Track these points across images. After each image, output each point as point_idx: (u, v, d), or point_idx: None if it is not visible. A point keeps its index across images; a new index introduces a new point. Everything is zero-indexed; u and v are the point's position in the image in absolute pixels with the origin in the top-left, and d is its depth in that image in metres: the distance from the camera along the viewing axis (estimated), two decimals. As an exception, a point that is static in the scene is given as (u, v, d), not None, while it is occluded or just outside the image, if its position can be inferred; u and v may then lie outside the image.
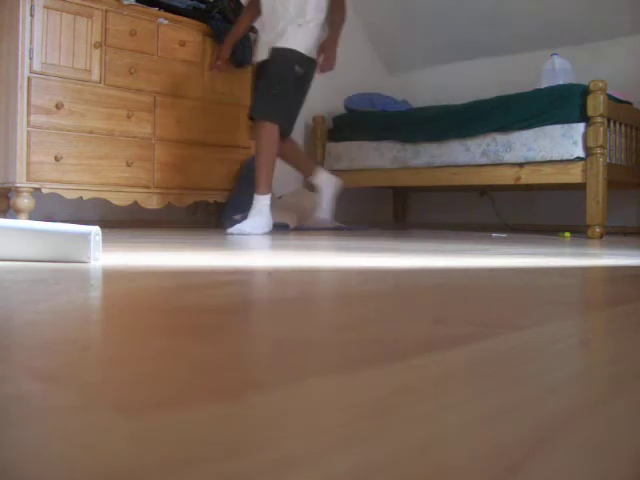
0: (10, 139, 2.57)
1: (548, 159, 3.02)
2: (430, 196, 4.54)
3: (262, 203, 2.75)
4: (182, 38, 3.03)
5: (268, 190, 2.77)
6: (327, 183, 3.16)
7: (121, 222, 3.14)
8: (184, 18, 3.05)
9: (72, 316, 0.55)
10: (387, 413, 0.30)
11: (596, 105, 2.87)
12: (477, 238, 2.60)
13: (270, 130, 2.72)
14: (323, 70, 2.82)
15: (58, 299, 0.64)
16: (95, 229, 1.07)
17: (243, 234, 2.55)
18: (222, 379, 0.36)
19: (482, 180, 3.29)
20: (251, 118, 2.84)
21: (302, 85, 2.83)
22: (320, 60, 2.80)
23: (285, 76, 2.75)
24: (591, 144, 2.87)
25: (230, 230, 2.64)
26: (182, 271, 1.01)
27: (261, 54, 2.90)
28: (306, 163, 3.20)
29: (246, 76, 3.32)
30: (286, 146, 2.94)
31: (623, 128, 3.11)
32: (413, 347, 0.46)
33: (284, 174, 3.97)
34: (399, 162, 3.60)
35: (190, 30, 3.07)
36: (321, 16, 2.82)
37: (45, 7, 2.57)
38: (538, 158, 3.05)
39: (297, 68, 2.77)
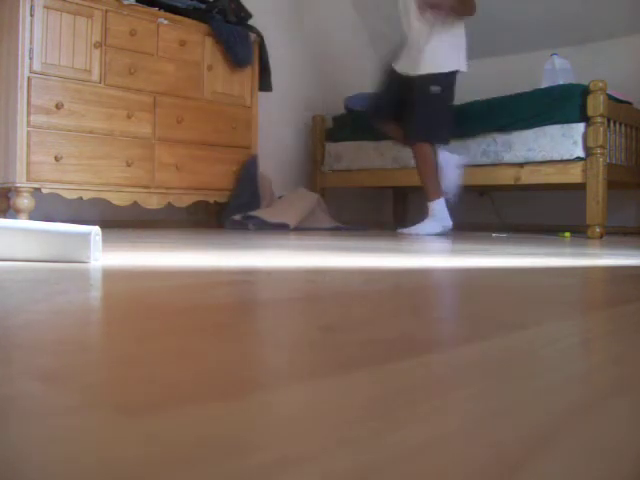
0: (10, 139, 2.57)
1: (548, 159, 3.02)
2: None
3: (436, 208, 2.97)
4: (182, 38, 3.03)
5: (439, 195, 2.99)
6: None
7: (121, 222, 3.14)
8: (184, 18, 3.05)
9: (72, 316, 0.55)
10: (387, 413, 0.30)
11: (596, 105, 2.87)
12: (477, 238, 2.60)
13: (423, 148, 3.00)
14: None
15: (58, 299, 0.64)
16: (95, 229, 1.07)
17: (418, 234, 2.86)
18: (222, 379, 0.36)
19: (482, 180, 3.29)
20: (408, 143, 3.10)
21: (444, 98, 3.08)
22: None
23: (426, 100, 3.03)
24: (591, 144, 2.87)
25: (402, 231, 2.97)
26: (182, 271, 1.01)
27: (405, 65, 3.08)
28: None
29: (246, 76, 3.32)
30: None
31: (623, 128, 3.11)
32: (413, 347, 0.46)
33: (284, 174, 3.97)
34: (399, 162, 3.60)
35: (190, 30, 3.07)
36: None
37: (45, 7, 2.57)
38: (538, 158, 3.05)
39: (433, 88, 3.01)
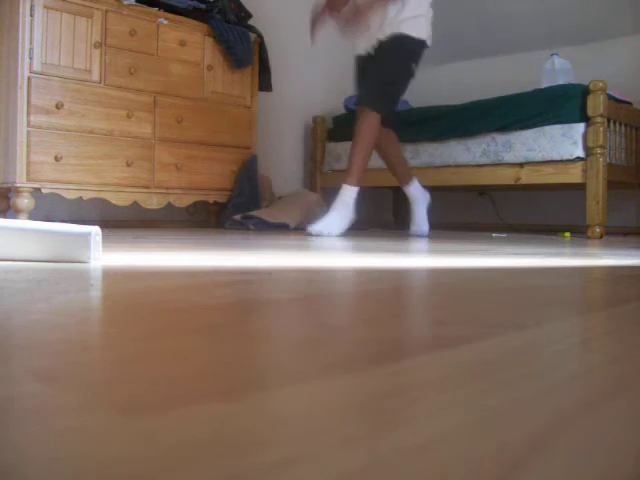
0: (10, 139, 2.58)
1: (548, 159, 3.02)
2: (430, 196, 4.54)
3: (349, 195, 2.69)
4: (182, 38, 3.03)
5: (358, 182, 2.69)
6: (421, 196, 3.08)
7: (121, 222, 3.14)
8: (184, 18, 3.05)
9: (72, 316, 0.55)
10: (387, 413, 0.30)
11: (596, 105, 2.87)
12: (477, 238, 2.60)
13: (374, 122, 2.65)
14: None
15: (58, 299, 0.64)
16: (95, 229, 1.07)
17: (319, 235, 2.55)
18: (222, 379, 0.36)
19: (482, 180, 3.29)
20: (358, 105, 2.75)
21: (412, 77, 2.78)
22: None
23: (401, 71, 2.70)
24: (591, 144, 2.87)
25: (310, 229, 2.62)
26: (182, 271, 1.01)
27: (364, 46, 2.80)
28: (403, 168, 3.05)
29: (246, 76, 3.32)
30: (389, 143, 2.90)
31: (623, 128, 3.11)
32: (413, 347, 0.46)
33: (284, 174, 3.97)
34: (399, 162, 3.59)
35: (190, 30, 3.07)
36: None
37: (45, 7, 2.57)
38: (538, 158, 3.05)
39: (413, 66, 2.72)
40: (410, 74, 2.74)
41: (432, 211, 4.52)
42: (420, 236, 2.95)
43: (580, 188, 3.07)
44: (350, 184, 2.68)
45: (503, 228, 3.86)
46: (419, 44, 2.71)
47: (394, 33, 2.67)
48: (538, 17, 3.89)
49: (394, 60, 2.70)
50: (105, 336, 0.48)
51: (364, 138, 2.66)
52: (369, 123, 2.64)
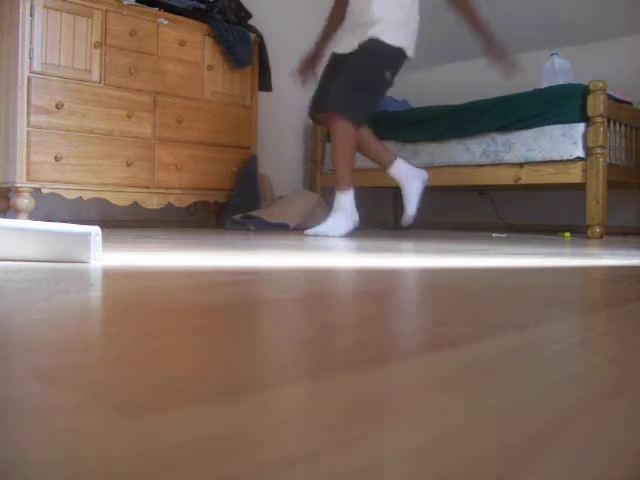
0: (10, 139, 2.58)
1: (548, 159, 3.02)
2: (430, 196, 4.54)
3: (344, 200, 2.68)
4: (182, 38, 3.03)
5: (349, 186, 2.69)
6: (405, 176, 2.99)
7: (121, 222, 3.14)
8: (184, 18, 3.05)
9: (72, 316, 0.55)
10: (387, 413, 0.30)
11: (596, 105, 2.87)
12: (477, 238, 2.60)
13: (346, 126, 2.59)
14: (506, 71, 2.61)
15: (58, 299, 0.64)
16: (95, 229, 1.07)
17: (320, 235, 2.53)
18: (222, 379, 0.36)
19: (482, 180, 3.29)
20: (321, 109, 2.67)
21: (387, 86, 2.68)
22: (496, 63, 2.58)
23: (374, 79, 2.60)
24: (591, 144, 2.87)
25: (308, 232, 2.60)
26: (182, 271, 1.01)
27: (339, 46, 2.75)
28: (383, 154, 2.99)
29: (246, 76, 3.32)
30: (362, 136, 2.82)
31: (623, 128, 3.11)
32: (413, 347, 0.46)
33: (284, 174, 3.97)
34: (399, 162, 3.59)
35: (190, 30, 3.07)
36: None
37: (45, 7, 2.57)
38: (538, 158, 3.05)
39: (388, 75, 2.61)
40: (384, 82, 2.65)
41: (432, 211, 4.53)
42: (406, 223, 2.94)
43: (580, 188, 3.07)
44: (342, 190, 2.69)
45: (503, 228, 3.86)
46: (395, 52, 2.61)
47: (370, 38, 2.59)
48: (538, 17, 3.89)
49: (364, 66, 2.60)
50: (105, 336, 0.48)
51: (341, 149, 2.63)
52: (341, 131, 2.60)
